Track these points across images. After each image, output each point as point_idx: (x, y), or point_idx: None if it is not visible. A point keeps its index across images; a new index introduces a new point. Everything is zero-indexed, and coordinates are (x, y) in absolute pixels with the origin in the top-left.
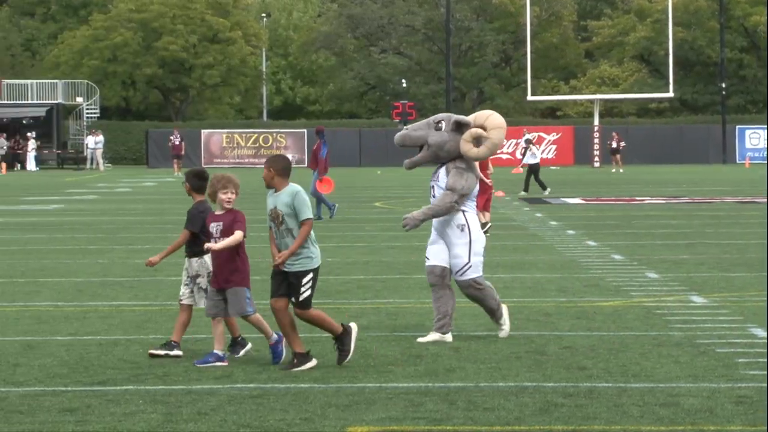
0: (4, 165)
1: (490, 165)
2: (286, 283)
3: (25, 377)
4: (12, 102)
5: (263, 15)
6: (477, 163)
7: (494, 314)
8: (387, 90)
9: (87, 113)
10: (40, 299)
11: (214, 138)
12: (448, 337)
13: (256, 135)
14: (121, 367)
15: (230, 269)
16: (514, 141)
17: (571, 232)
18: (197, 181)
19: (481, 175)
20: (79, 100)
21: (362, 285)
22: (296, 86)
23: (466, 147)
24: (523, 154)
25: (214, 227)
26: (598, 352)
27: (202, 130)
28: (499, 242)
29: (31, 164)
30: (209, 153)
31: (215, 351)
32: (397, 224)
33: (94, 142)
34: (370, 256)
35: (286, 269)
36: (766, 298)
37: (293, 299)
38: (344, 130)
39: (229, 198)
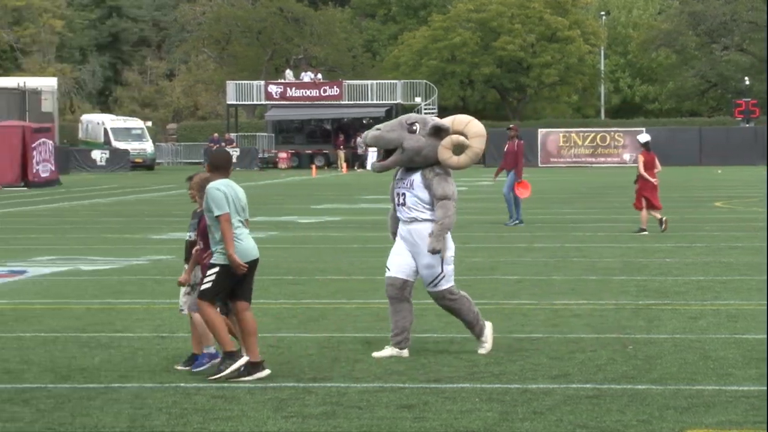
0: (345, 165)
1: (657, 163)
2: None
3: (364, 374)
4: (352, 102)
5: (602, 13)
6: (642, 160)
7: (473, 329)
8: (729, 88)
9: (425, 113)
10: (378, 297)
11: (551, 137)
12: (405, 353)
13: (593, 134)
14: (457, 365)
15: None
16: None
17: None
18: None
19: (646, 174)
20: (418, 100)
21: (701, 286)
22: (635, 84)
23: (446, 155)
24: None
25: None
26: None
27: (539, 129)
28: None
29: (371, 164)
30: (546, 152)
31: (204, 351)
32: (738, 224)
33: None
34: (710, 257)
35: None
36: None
37: (195, 287)
38: (683, 129)
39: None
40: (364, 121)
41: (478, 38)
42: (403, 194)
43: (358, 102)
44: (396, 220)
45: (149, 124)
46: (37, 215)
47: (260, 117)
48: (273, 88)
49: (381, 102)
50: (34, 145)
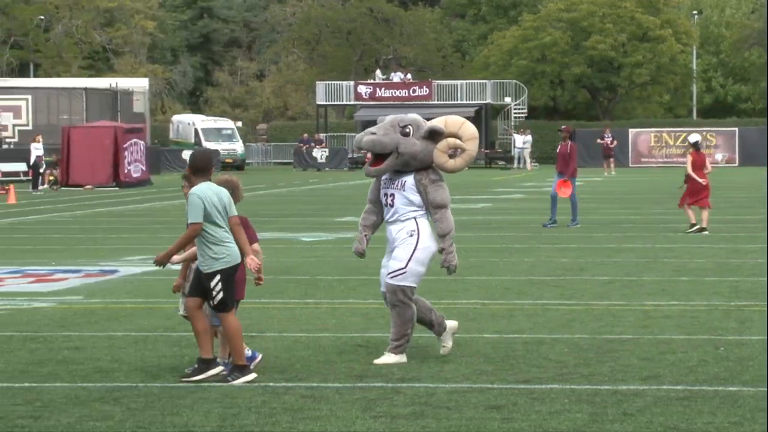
0: None
1: (708, 164)
2: (201, 284)
3: (453, 374)
4: (442, 102)
5: (694, 12)
6: (690, 160)
7: (401, 345)
8: None
9: (515, 113)
10: (467, 297)
11: (642, 137)
12: (403, 358)
13: (685, 134)
14: (546, 366)
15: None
16: None
17: None
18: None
19: (694, 174)
20: (507, 100)
21: None
22: (727, 84)
23: (442, 159)
24: None
25: None
26: None
27: (630, 129)
28: None
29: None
30: (637, 152)
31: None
32: None
33: (522, 141)
34: None
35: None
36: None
37: (209, 303)
38: None
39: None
40: None
41: (568, 38)
42: (392, 195)
43: (447, 102)
44: (370, 217)
45: (239, 124)
46: (129, 215)
47: (350, 117)
48: (362, 89)
49: (470, 102)
50: (125, 146)
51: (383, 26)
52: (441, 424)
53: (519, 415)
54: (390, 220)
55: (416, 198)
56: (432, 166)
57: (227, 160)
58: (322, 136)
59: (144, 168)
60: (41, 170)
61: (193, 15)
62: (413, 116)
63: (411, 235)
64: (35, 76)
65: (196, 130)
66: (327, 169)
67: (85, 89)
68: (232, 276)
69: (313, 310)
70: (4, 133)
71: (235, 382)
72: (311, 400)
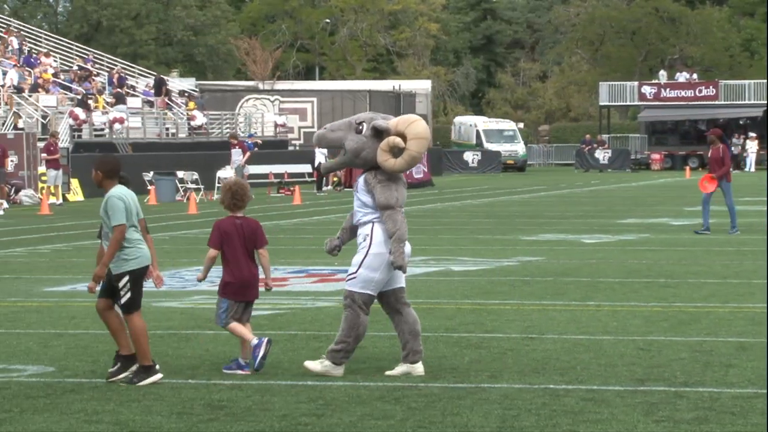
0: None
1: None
2: (110, 283)
3: (738, 378)
4: (728, 102)
5: None
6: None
7: (339, 352)
8: None
9: None
10: (754, 301)
11: None
12: (337, 370)
13: None
14: None
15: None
16: None
17: None
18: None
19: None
20: None
21: None
22: None
23: (383, 158)
24: None
25: None
26: None
27: None
28: None
29: (750, 165)
30: None
31: (239, 359)
32: None
33: None
34: None
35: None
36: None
37: (117, 303)
38: None
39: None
40: (741, 122)
41: None
42: (354, 197)
43: (734, 102)
44: (348, 220)
45: (521, 125)
46: (411, 216)
47: (633, 118)
48: (647, 89)
49: (758, 102)
50: None
51: (669, 26)
52: (725, 429)
53: None
54: (355, 223)
55: (367, 199)
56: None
57: (508, 162)
58: (604, 137)
59: (425, 169)
60: None
61: (476, 17)
62: (369, 114)
63: (364, 240)
64: (320, 78)
65: (477, 132)
66: (609, 170)
67: (369, 91)
68: (141, 277)
69: (594, 312)
70: (290, 135)
71: (141, 383)
72: (592, 402)
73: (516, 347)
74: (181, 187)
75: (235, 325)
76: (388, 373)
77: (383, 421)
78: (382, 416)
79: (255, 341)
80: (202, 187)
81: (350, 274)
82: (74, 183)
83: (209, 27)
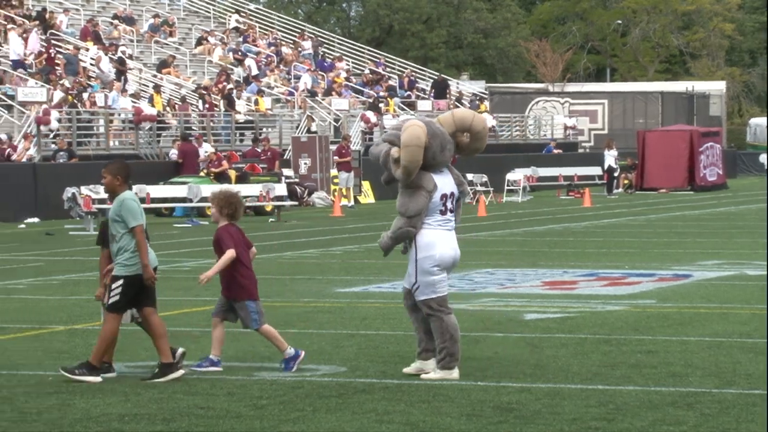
0: None
1: None
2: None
3: None
4: None
5: None
6: None
7: (444, 358)
8: None
9: None
10: None
11: None
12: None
13: None
14: None
15: (236, 284)
16: None
17: None
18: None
19: None
20: None
21: None
22: None
23: (392, 169)
24: None
25: None
26: None
27: None
28: None
29: None
30: None
31: (211, 356)
32: None
33: None
34: None
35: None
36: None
37: (103, 303)
38: None
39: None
40: None
41: None
42: None
43: None
44: None
45: None
46: (704, 219)
47: None
48: None
49: None
50: (701, 149)
51: None
52: None
53: None
54: None
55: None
56: None
57: None
58: None
59: (720, 172)
60: (615, 174)
61: None
62: (409, 121)
63: (411, 246)
64: (611, 80)
65: None
66: None
67: (661, 93)
68: (134, 284)
69: None
70: (581, 138)
71: (77, 378)
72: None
73: None
74: (471, 189)
75: (267, 328)
76: (424, 376)
77: (675, 427)
78: (674, 422)
79: (291, 352)
80: (491, 189)
81: (413, 286)
82: (365, 185)
83: (499, 30)
